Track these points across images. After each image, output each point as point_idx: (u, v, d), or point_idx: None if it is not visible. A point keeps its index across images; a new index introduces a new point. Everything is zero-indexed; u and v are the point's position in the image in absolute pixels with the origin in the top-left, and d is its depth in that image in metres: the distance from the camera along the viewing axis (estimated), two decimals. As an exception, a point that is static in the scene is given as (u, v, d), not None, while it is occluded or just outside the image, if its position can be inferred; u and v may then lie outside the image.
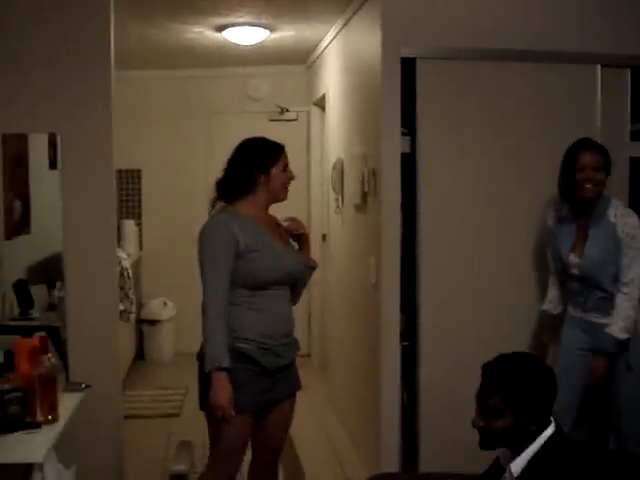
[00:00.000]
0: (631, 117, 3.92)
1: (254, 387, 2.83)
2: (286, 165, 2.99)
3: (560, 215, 3.46)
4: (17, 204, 3.72)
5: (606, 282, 3.29)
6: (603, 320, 3.30)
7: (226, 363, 2.69)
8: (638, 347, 3.26)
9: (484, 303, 3.84)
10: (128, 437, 3.98)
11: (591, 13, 3.85)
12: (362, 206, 4.25)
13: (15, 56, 3.49)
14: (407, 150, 3.82)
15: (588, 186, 3.28)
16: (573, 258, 3.36)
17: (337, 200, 5.13)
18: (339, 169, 4.95)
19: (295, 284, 3.02)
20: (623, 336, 3.21)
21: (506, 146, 3.72)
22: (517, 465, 2.19)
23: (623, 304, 3.21)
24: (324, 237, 6.08)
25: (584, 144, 3.36)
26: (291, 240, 3.08)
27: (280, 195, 2.98)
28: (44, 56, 3.51)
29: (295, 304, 3.06)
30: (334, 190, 5.15)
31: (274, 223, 3.03)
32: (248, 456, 3.02)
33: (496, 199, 3.79)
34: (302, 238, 3.09)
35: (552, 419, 2.22)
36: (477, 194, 3.80)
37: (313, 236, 6.34)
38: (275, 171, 2.93)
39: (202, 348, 2.80)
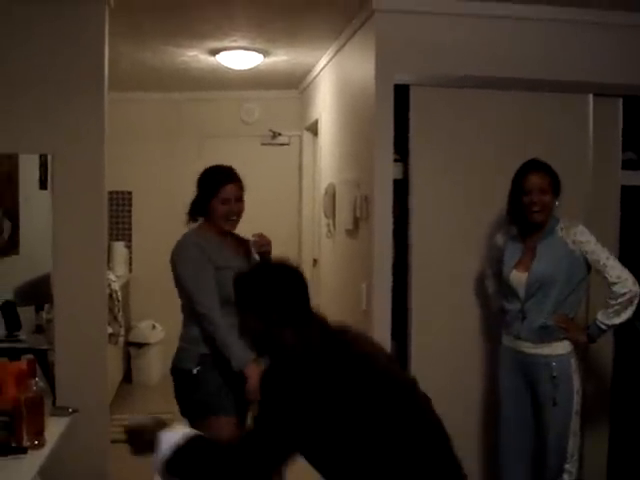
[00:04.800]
0: (623, 146, 3.95)
1: (232, 389, 3.02)
2: (227, 199, 3.11)
3: (510, 236, 3.43)
4: (6, 224, 3.70)
5: (548, 304, 3.22)
6: (537, 350, 3.25)
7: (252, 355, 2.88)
8: (564, 382, 3.20)
9: (476, 329, 3.83)
10: (115, 461, 3.92)
11: (584, 42, 3.88)
12: (354, 231, 4.25)
13: (8, 76, 3.48)
14: (399, 176, 3.83)
15: (535, 209, 3.25)
16: (516, 274, 3.30)
17: (328, 225, 5.12)
18: (331, 194, 4.95)
19: None
20: (608, 322, 3.17)
21: (498, 174, 3.72)
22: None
23: (618, 300, 3.14)
24: (315, 262, 6.06)
25: (530, 166, 3.32)
26: (256, 257, 3.20)
27: (222, 225, 3.14)
28: (38, 77, 3.51)
29: None
30: (326, 215, 5.15)
31: (236, 242, 3.21)
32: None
33: (489, 226, 3.79)
34: (266, 256, 3.19)
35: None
36: (469, 221, 3.80)
37: (304, 260, 6.35)
38: (214, 204, 3.11)
39: (177, 362, 3.13)
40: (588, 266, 3.24)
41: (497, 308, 3.58)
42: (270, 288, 2.08)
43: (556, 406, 3.18)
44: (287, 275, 2.12)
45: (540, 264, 3.23)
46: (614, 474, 3.95)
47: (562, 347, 3.24)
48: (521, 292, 3.29)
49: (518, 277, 3.30)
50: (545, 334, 3.24)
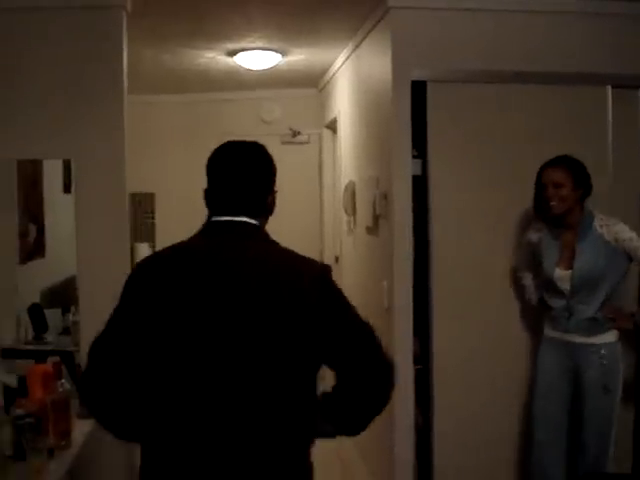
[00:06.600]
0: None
1: None
2: None
3: (544, 233, 3.49)
4: (32, 228, 3.75)
5: (596, 300, 3.32)
6: (587, 340, 3.34)
7: None
8: (613, 368, 3.31)
9: (498, 325, 3.83)
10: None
11: (601, 34, 3.85)
12: (374, 228, 4.26)
13: (29, 85, 3.53)
14: (418, 173, 3.83)
15: (552, 203, 3.35)
16: (560, 272, 3.37)
17: (349, 222, 5.13)
18: (351, 191, 4.96)
19: None
20: None
21: (517, 168, 3.72)
22: None
23: None
24: (337, 259, 6.08)
25: (549, 162, 3.41)
26: None
27: None
28: (59, 84, 3.54)
29: None
30: (346, 212, 5.16)
31: None
32: None
33: (508, 221, 3.79)
34: None
35: None
36: (489, 216, 3.79)
37: (326, 257, 6.36)
38: None
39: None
40: (628, 257, 3.33)
41: (536, 300, 3.65)
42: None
43: (607, 393, 3.28)
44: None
45: (583, 262, 3.30)
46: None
47: (611, 335, 3.35)
48: (566, 289, 3.37)
49: (562, 275, 3.37)
50: (594, 326, 3.34)
